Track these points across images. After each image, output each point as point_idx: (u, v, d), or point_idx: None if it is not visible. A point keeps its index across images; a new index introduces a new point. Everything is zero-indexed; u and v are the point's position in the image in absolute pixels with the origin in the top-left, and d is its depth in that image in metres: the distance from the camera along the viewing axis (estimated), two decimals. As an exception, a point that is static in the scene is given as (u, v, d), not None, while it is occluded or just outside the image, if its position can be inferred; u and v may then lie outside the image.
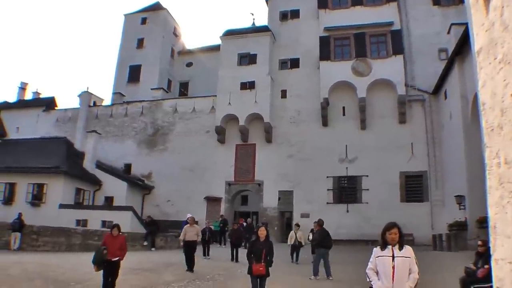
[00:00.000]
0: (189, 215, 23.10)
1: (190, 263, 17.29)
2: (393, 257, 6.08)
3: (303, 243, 21.31)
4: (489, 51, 3.40)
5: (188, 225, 18.55)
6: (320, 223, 17.76)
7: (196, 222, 19.43)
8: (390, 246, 6.18)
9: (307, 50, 39.57)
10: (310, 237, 20.37)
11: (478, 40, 3.67)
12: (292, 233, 21.66)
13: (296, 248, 21.04)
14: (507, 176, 3.01)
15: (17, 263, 16.95)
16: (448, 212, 29.94)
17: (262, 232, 10.57)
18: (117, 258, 11.93)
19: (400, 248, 6.18)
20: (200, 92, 44.85)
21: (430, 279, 14.55)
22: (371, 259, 6.29)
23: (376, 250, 6.34)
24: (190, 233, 18.08)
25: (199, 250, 19.31)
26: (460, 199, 26.96)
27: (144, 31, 50.67)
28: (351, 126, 36.88)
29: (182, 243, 18.08)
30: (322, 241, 16.52)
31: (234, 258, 21.45)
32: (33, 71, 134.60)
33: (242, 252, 21.68)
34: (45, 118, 46.50)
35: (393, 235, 6.21)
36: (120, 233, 12.48)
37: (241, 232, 24.95)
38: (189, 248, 17.55)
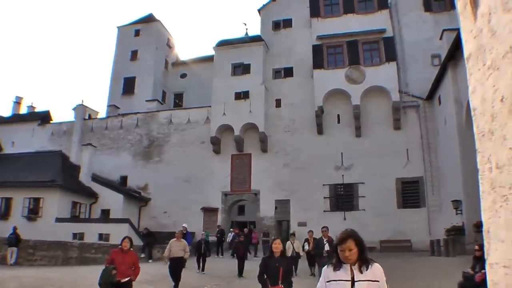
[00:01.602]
0: (184, 225, 22.70)
1: (177, 282, 15.62)
2: (352, 281, 4.15)
3: (301, 254, 19.89)
4: (478, 57, 3.43)
5: (175, 239, 16.37)
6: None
7: (184, 235, 17.55)
8: (348, 265, 4.21)
9: (300, 59, 39.68)
10: (306, 247, 19.20)
11: (467, 47, 3.70)
12: (288, 243, 19.64)
13: (294, 259, 19.04)
14: (499, 181, 3.03)
15: (14, 278, 16.82)
16: (445, 217, 29.93)
17: (277, 246, 8.45)
18: (127, 279, 10.23)
19: (363, 268, 4.20)
20: (195, 103, 44.81)
21: (428, 285, 14.57)
22: (318, 284, 4.45)
23: (327, 270, 4.40)
24: (176, 248, 15.97)
25: (190, 263, 18.97)
26: (456, 204, 26.98)
27: (138, 43, 50.65)
28: (346, 134, 36.92)
29: (167, 260, 16.02)
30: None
31: (241, 272, 19.78)
32: (28, 85, 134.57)
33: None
34: (40, 132, 46.39)
35: (346, 253, 4.18)
36: (131, 248, 10.70)
37: (247, 244, 23.55)
38: (175, 266, 15.67)
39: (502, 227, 3.01)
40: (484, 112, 3.32)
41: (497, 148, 3.06)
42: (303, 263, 20.02)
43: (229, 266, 21.02)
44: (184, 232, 19.06)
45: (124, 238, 10.67)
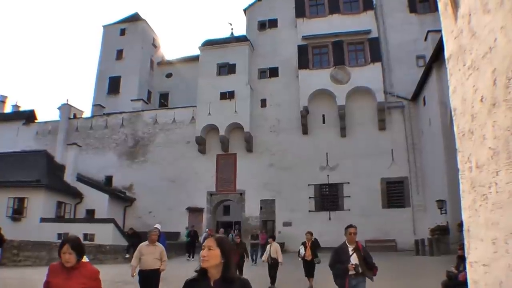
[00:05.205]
0: (156, 226, 19.15)
1: None
2: None
3: (279, 260, 16.07)
4: (458, 58, 3.46)
5: (146, 243, 10.81)
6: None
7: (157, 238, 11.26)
8: None
9: (285, 59, 39.69)
10: (302, 252, 15.53)
11: (448, 47, 3.74)
12: (268, 247, 16.86)
13: (270, 267, 16.19)
14: (479, 180, 3.06)
15: (-3, 279, 16.71)
16: (430, 217, 30.14)
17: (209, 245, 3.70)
18: None
19: None
20: (180, 103, 44.67)
21: (413, 284, 14.65)
22: None
23: None
24: (149, 256, 10.52)
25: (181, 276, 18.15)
26: (441, 203, 27.16)
27: (123, 42, 50.39)
28: (331, 134, 36.97)
29: (135, 273, 10.61)
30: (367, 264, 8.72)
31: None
32: (13, 84, 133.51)
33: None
34: (25, 131, 45.89)
35: None
36: (87, 260, 5.09)
37: (244, 248, 18.95)
38: (146, 282, 10.53)
39: (481, 226, 3.04)
40: (464, 112, 3.35)
41: (477, 148, 3.08)
42: (298, 269, 16.67)
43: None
44: (158, 234, 13.83)
45: (62, 245, 4.88)
